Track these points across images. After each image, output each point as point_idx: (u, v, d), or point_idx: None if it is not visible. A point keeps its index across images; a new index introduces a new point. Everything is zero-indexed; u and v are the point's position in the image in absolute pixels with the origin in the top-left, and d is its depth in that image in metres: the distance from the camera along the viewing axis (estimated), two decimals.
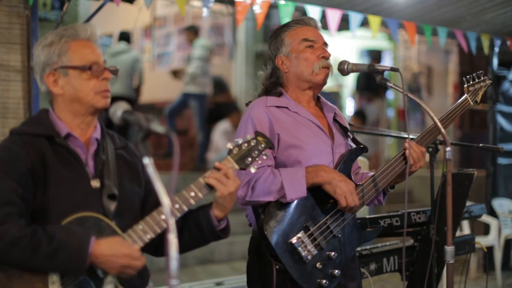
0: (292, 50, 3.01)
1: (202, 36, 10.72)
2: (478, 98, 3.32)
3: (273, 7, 5.29)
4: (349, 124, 4.63)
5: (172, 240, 1.86)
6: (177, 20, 12.62)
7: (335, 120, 3.12)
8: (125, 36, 9.89)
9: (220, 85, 11.26)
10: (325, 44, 3.05)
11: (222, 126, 10.15)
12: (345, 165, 2.98)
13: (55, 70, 2.41)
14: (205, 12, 5.00)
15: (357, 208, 2.94)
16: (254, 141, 2.45)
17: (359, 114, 10.31)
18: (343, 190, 2.83)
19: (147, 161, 1.98)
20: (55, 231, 2.21)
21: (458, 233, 4.74)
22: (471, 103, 3.30)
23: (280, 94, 3.03)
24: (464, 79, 3.35)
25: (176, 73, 10.74)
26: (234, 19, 10.46)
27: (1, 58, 4.11)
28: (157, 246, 2.53)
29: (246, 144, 2.44)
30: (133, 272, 2.29)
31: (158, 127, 2.05)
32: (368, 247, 4.04)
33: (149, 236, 2.30)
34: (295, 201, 2.85)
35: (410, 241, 4.11)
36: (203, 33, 11.50)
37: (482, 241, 5.27)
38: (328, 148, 2.98)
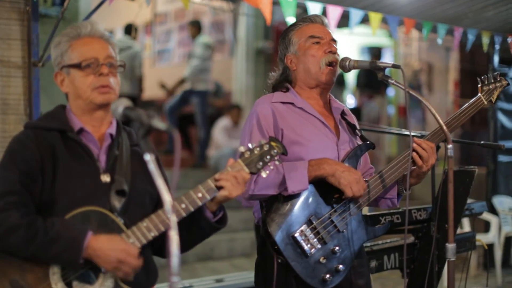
0: (299, 48, 3.03)
1: (202, 32, 10.71)
2: (493, 98, 3.29)
3: (274, 3, 5.27)
4: None
5: (173, 236, 1.85)
6: (178, 16, 12.62)
7: (343, 118, 3.11)
8: (128, 29, 9.86)
9: (217, 91, 11.30)
10: (333, 41, 3.06)
11: (223, 123, 10.14)
12: (350, 160, 2.97)
13: (61, 70, 2.47)
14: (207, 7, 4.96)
15: (363, 203, 2.94)
16: (267, 146, 2.44)
17: (354, 112, 10.30)
18: (348, 180, 2.81)
19: (148, 157, 1.98)
20: (54, 223, 2.24)
21: (458, 231, 4.74)
22: (485, 102, 3.27)
23: (287, 90, 3.05)
24: (478, 79, 3.32)
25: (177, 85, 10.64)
26: (234, 15, 10.48)
27: (2, 54, 4.10)
28: (161, 247, 2.53)
29: (258, 149, 2.43)
30: (129, 270, 2.27)
31: (159, 123, 2.04)
32: (368, 244, 4.04)
33: (153, 233, 2.30)
34: (299, 195, 2.85)
35: (411, 239, 4.11)
36: (203, 30, 11.50)
37: (482, 239, 5.26)
38: (333, 145, 2.98)
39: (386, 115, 12.43)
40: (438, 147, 3.37)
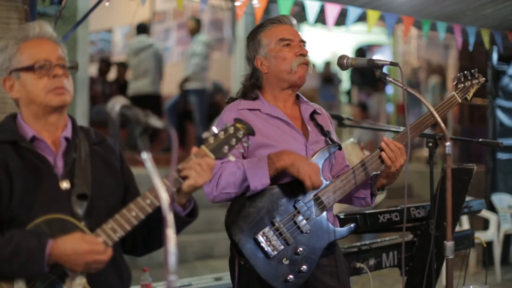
0: (270, 51, 3.00)
1: (201, 31, 10.71)
2: (469, 96, 3.29)
3: (272, 1, 5.28)
4: (348, 119, 4.64)
5: (170, 235, 1.84)
6: (177, 15, 12.62)
7: (314, 118, 3.10)
8: (143, 28, 10.02)
9: (217, 90, 11.34)
10: (302, 42, 3.04)
11: None
12: (316, 160, 2.95)
13: (9, 75, 2.37)
14: (203, 7, 4.98)
15: (327, 204, 2.94)
16: (232, 128, 2.31)
17: (362, 106, 10.34)
18: (307, 170, 2.80)
19: (145, 156, 1.96)
20: (12, 235, 2.17)
21: (457, 228, 4.74)
22: (459, 100, 3.26)
23: (255, 98, 3.03)
24: (453, 76, 3.34)
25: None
26: (233, 13, 10.49)
27: None
28: (135, 247, 2.51)
29: (223, 132, 2.31)
30: (99, 266, 2.21)
31: (156, 121, 2.03)
32: (367, 242, 4.04)
33: (118, 234, 2.22)
34: (262, 197, 2.85)
35: (409, 236, 4.11)
36: (202, 28, 11.50)
37: (481, 236, 5.27)
38: (301, 146, 2.97)
39: (385, 112, 12.44)
40: (436, 145, 3.37)
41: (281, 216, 2.88)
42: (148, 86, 9.69)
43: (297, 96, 3.14)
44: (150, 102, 9.61)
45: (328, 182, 2.98)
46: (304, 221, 2.90)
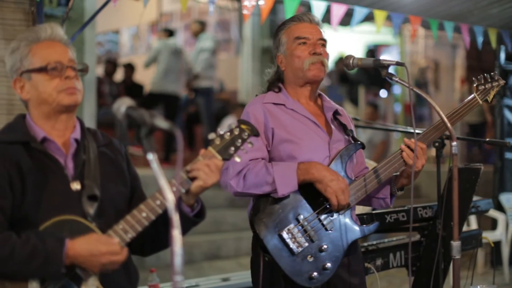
0: (287, 49, 3.04)
1: (208, 31, 10.72)
2: (489, 98, 3.30)
3: (278, 2, 5.28)
4: (355, 119, 4.64)
5: (176, 236, 1.84)
6: (184, 16, 12.64)
7: (336, 118, 3.12)
8: (171, 32, 10.15)
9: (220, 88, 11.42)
10: (322, 40, 3.05)
11: (228, 122, 10.15)
12: (340, 159, 2.98)
13: (20, 76, 2.38)
14: (211, 8, 4.99)
15: (351, 202, 2.94)
16: (237, 129, 2.35)
17: (374, 106, 10.34)
18: (334, 189, 2.83)
19: (151, 157, 1.97)
20: (29, 236, 2.18)
21: (465, 228, 4.73)
22: (480, 102, 3.27)
23: (279, 90, 3.06)
24: (474, 78, 3.34)
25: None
26: (240, 14, 10.51)
27: None
28: (142, 246, 2.52)
29: (228, 133, 2.34)
30: (116, 266, 2.23)
31: (162, 122, 2.03)
32: (374, 242, 4.03)
33: (130, 235, 2.23)
34: (287, 195, 2.86)
35: (416, 236, 4.10)
36: (209, 29, 11.52)
37: (489, 236, 5.26)
38: (325, 144, 2.99)
39: (393, 112, 12.41)
40: (443, 145, 3.37)
41: (306, 213, 2.89)
42: (177, 89, 9.82)
43: (319, 94, 3.16)
44: (174, 103, 9.77)
45: (351, 181, 2.99)
46: (329, 219, 2.91)
